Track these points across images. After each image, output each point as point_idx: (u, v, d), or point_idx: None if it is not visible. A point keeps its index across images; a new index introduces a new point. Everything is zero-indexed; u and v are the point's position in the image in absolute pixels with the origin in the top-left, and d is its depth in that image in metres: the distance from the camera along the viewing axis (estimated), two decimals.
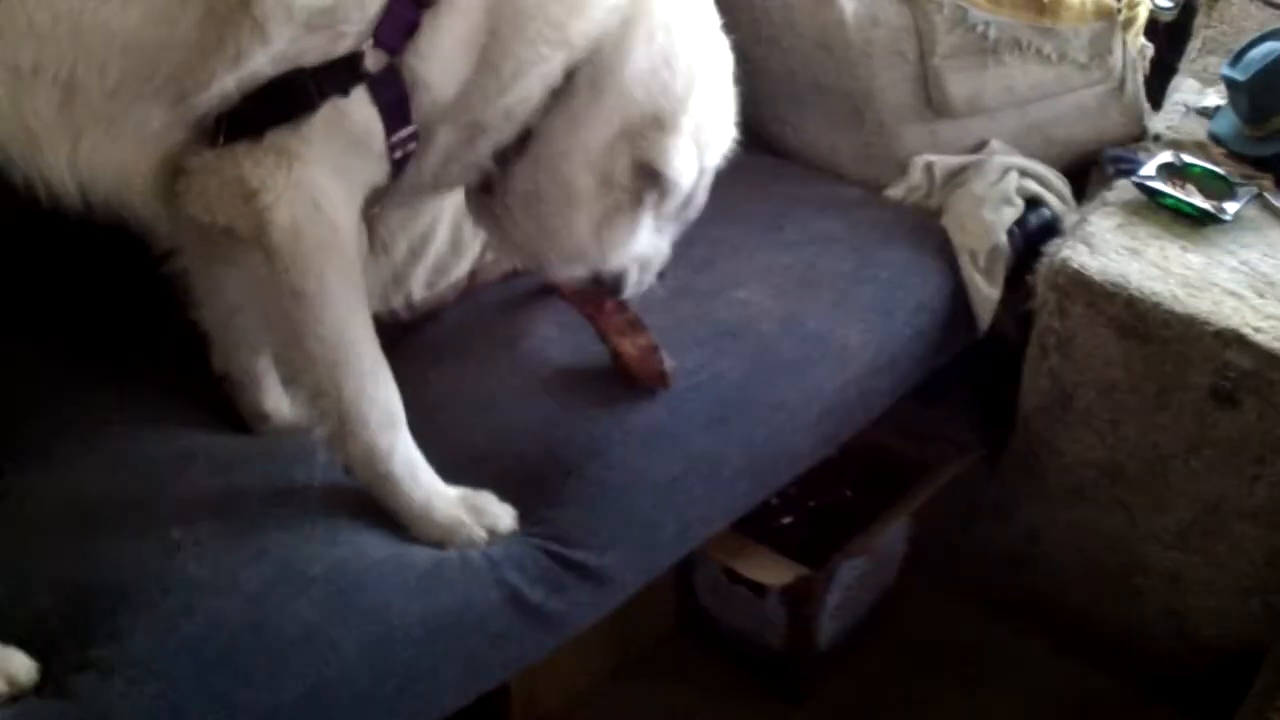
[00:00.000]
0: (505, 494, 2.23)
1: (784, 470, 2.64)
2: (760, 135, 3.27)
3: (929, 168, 3.12)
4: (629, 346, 2.44)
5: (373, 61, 1.92)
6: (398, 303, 2.64)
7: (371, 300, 2.45)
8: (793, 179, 3.20)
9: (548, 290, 2.62)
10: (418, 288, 2.66)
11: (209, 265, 2.19)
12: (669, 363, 2.43)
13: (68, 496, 2.16)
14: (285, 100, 1.90)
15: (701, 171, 2.29)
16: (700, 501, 2.44)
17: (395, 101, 1.96)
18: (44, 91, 1.84)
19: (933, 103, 3.15)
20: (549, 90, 2.10)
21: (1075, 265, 2.79)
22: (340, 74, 1.91)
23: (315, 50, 1.89)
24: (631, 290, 2.38)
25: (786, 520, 3.04)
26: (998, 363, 3.04)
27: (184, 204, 1.96)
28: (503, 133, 2.13)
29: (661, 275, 2.41)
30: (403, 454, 2.11)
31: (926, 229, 3.01)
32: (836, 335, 2.69)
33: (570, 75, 2.10)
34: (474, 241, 2.69)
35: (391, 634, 2.03)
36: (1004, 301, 2.96)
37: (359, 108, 1.93)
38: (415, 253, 2.66)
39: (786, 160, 3.32)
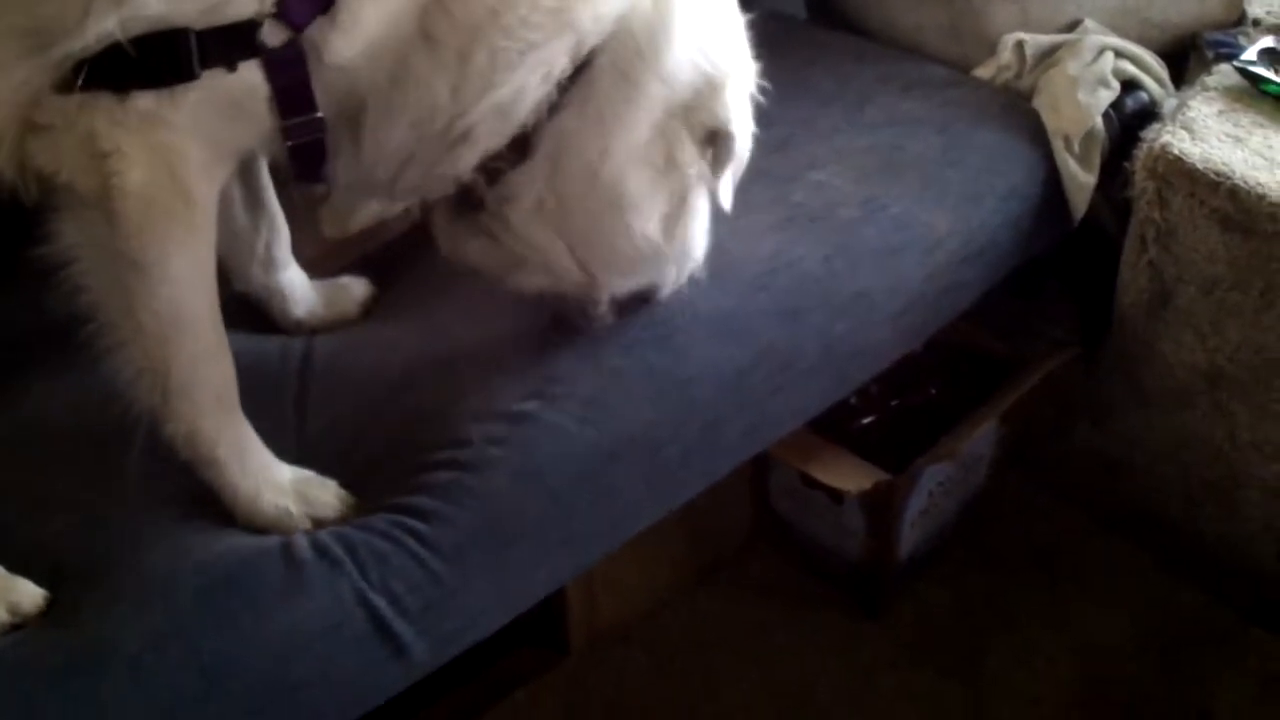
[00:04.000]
0: (556, 380, 2.05)
1: (864, 366, 2.43)
2: (840, 13, 3.12)
3: (1019, 46, 2.87)
4: None
5: (271, 35, 1.65)
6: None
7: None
8: (875, 58, 2.96)
9: None
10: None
11: None
12: None
13: (88, 406, 1.97)
14: (160, 62, 1.63)
15: None
16: (771, 398, 2.23)
17: (294, 84, 1.70)
18: None
19: None
20: (554, 84, 1.82)
21: (1175, 152, 2.56)
22: (230, 43, 1.64)
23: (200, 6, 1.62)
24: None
25: (867, 421, 2.83)
26: (1095, 255, 2.81)
27: (33, 154, 1.70)
28: (493, 139, 1.85)
29: None
30: (232, 439, 1.87)
31: (1018, 111, 2.77)
32: (922, 221, 2.46)
33: (583, 64, 1.83)
34: None
35: None
36: (1100, 189, 2.73)
37: (247, 84, 1.67)
38: None
39: (868, 39, 3.10)
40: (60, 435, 1.99)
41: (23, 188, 1.74)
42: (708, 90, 1.91)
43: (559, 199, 1.92)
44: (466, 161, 1.86)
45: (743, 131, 1.98)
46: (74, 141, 1.66)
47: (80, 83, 1.62)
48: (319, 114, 1.74)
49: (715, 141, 1.95)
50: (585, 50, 1.81)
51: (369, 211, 2.37)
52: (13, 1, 1.60)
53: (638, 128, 1.89)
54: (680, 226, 1.99)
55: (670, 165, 1.93)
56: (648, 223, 1.96)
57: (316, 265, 2.31)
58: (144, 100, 1.64)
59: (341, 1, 1.65)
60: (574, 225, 1.95)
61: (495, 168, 1.89)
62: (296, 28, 1.64)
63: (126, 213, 1.68)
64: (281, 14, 1.63)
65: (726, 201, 2.03)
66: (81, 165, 1.67)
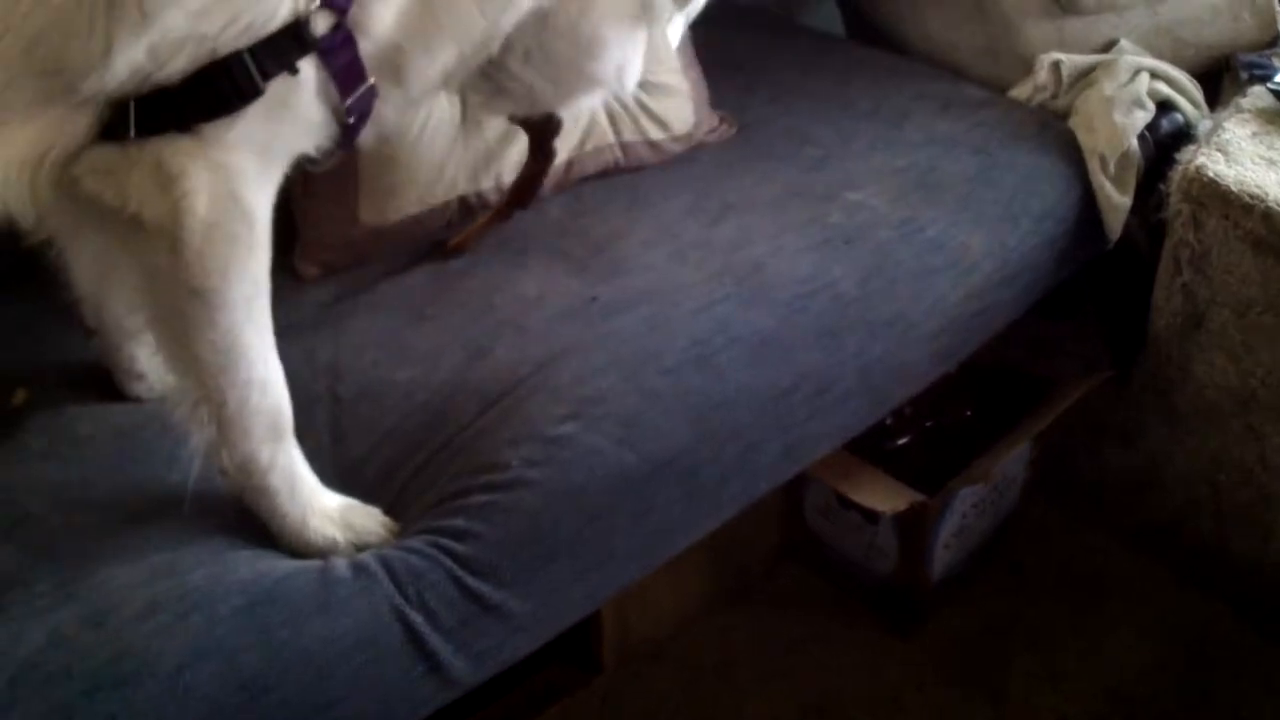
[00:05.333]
0: (594, 402, 2.03)
1: (899, 389, 2.42)
2: (877, 30, 3.11)
3: (1056, 67, 2.87)
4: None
5: (320, 24, 1.61)
6: (487, 185, 2.45)
7: (460, 179, 2.37)
8: (912, 76, 2.95)
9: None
10: (508, 169, 2.46)
11: (78, 228, 1.86)
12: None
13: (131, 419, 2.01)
14: (220, 88, 1.57)
15: None
16: (808, 420, 2.22)
17: (348, 64, 1.68)
18: None
19: None
20: None
21: (1210, 174, 2.56)
22: (284, 47, 1.59)
23: (249, 16, 1.56)
24: None
25: (902, 441, 2.83)
26: (1129, 276, 2.80)
27: (94, 193, 1.61)
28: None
29: None
30: (283, 467, 1.85)
31: (1053, 131, 2.77)
32: (958, 242, 2.45)
33: None
34: (574, 129, 2.48)
35: None
36: (1135, 211, 2.72)
37: (298, 81, 1.63)
38: (509, 133, 2.46)
39: (905, 57, 3.10)
40: (101, 446, 1.98)
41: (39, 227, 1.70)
42: None
43: (543, 49, 2.01)
44: (495, 47, 1.92)
45: None
46: (140, 175, 1.59)
47: (134, 130, 1.56)
48: (371, 81, 1.73)
49: None
50: None
51: (407, 199, 2.41)
52: (27, 38, 1.49)
53: None
54: (629, 68, 2.12)
55: (643, 8, 2.04)
56: (607, 69, 2.08)
57: (338, 264, 2.34)
58: (208, 125, 1.59)
59: None
60: (550, 70, 2.05)
61: None
62: (340, 10, 1.62)
63: (191, 239, 1.62)
64: (325, 3, 1.60)
65: (675, 41, 2.20)
66: (150, 196, 1.60)
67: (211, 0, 1.52)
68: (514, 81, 2.07)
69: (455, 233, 2.40)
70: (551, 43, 2.00)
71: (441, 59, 1.83)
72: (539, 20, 1.94)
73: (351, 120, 1.75)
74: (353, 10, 1.64)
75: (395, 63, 1.77)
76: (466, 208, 2.39)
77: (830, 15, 3.43)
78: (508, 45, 1.95)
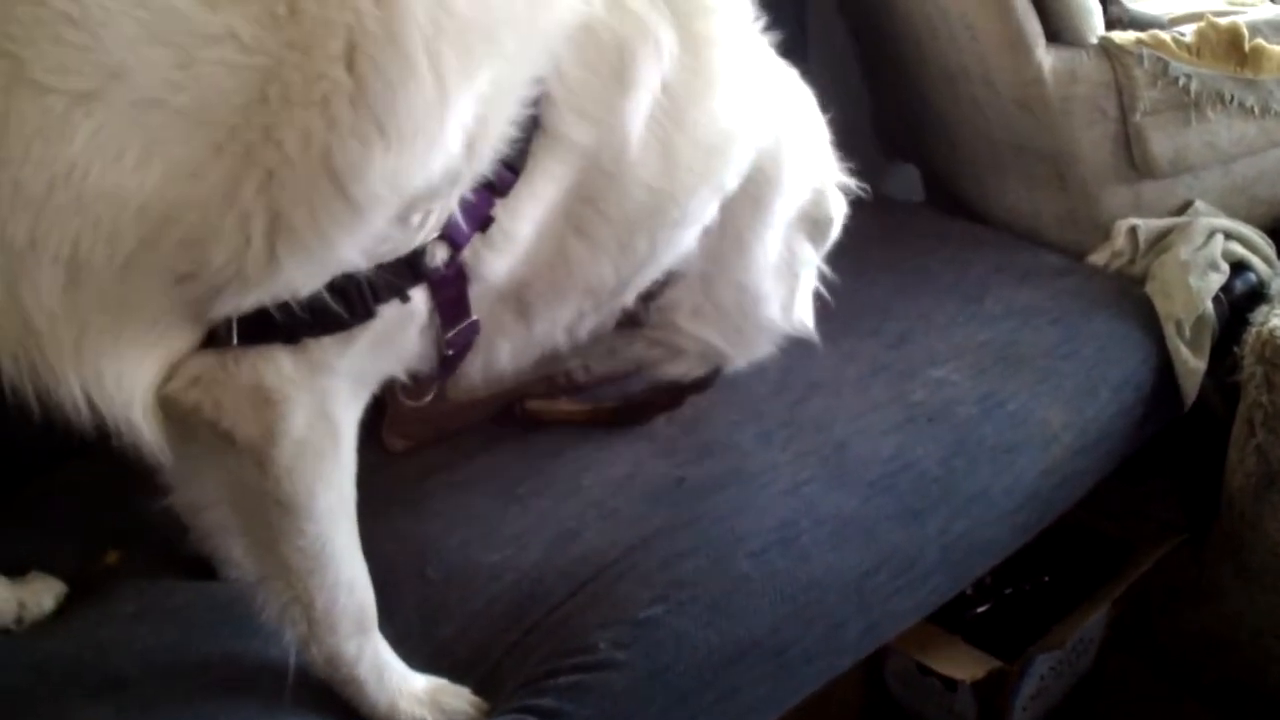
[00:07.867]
0: (682, 585, 2.01)
1: (980, 563, 2.39)
2: (960, 200, 3.12)
3: (1133, 232, 2.86)
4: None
5: (437, 257, 1.63)
6: (574, 363, 2.41)
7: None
8: (994, 247, 2.96)
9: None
10: (597, 355, 2.43)
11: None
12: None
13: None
14: (338, 307, 1.57)
15: None
16: (891, 599, 2.19)
17: (454, 298, 1.70)
18: (45, 271, 1.42)
19: (1135, 162, 2.88)
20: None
21: None
22: (400, 275, 1.61)
23: (390, 245, 1.57)
24: None
25: (981, 610, 2.80)
26: (1204, 438, 2.76)
27: (181, 398, 1.59)
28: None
29: None
30: (370, 658, 1.86)
31: (1131, 298, 2.75)
32: (1038, 416, 2.43)
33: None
34: None
35: None
36: (1210, 373, 2.69)
37: (408, 311, 1.66)
38: None
39: (987, 226, 3.12)
40: (196, 615, 1.98)
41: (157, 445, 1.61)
42: (817, 198, 2.17)
43: (714, 305, 2.18)
44: (630, 299, 2.02)
45: (839, 215, 2.23)
46: (236, 393, 1.58)
47: (236, 338, 1.55)
48: (474, 318, 1.76)
49: (819, 229, 2.22)
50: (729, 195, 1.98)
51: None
52: (167, 245, 1.45)
53: (772, 241, 2.13)
54: (794, 305, 2.26)
55: (792, 259, 2.20)
56: (774, 310, 2.23)
57: (426, 436, 2.35)
58: (319, 349, 1.59)
59: (499, 220, 1.66)
60: (727, 322, 2.21)
61: (648, 294, 2.10)
62: (457, 246, 1.64)
63: (281, 457, 1.63)
64: (444, 235, 1.61)
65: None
66: (245, 415, 1.60)
67: (380, 235, 1.53)
68: (687, 340, 2.22)
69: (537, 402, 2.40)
70: (721, 298, 2.16)
71: (569, 305, 1.90)
72: (702, 279, 2.12)
73: (450, 353, 1.78)
74: (467, 251, 1.65)
75: (522, 299, 1.82)
76: (554, 385, 2.39)
77: (908, 181, 3.45)
78: (669, 303, 2.10)
